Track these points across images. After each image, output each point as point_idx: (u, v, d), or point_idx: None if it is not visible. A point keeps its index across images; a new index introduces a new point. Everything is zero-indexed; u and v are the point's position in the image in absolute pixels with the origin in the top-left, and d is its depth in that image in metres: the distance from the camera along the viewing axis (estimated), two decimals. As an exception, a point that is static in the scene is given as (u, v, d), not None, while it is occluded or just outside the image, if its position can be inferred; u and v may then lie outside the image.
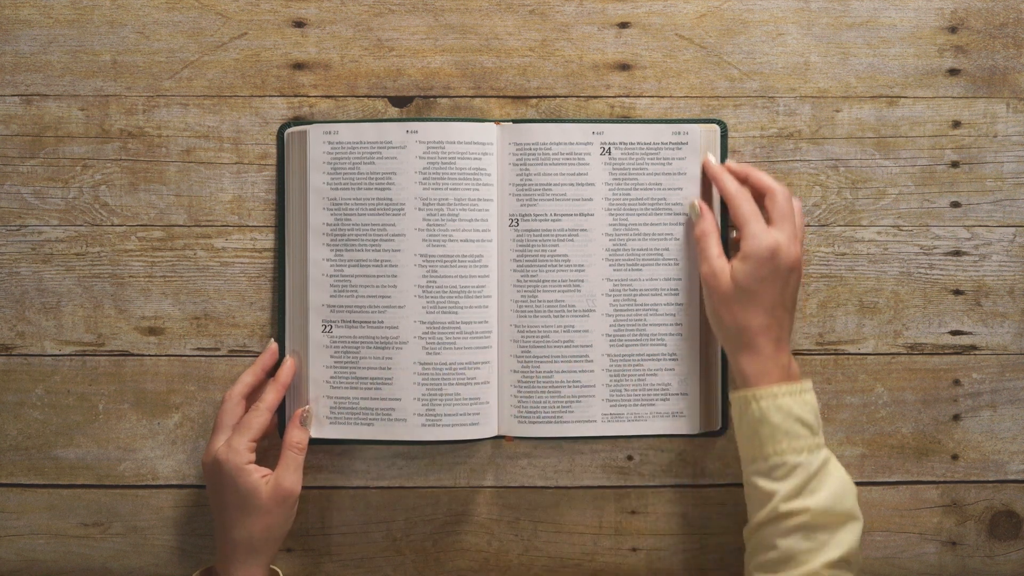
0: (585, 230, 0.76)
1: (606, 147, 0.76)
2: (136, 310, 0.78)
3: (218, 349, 0.78)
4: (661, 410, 0.77)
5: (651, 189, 0.76)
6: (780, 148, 0.79)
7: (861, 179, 0.79)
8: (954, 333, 0.80)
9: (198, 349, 0.79)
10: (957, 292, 0.80)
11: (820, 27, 0.78)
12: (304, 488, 0.79)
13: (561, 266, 0.76)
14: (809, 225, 0.79)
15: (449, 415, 0.75)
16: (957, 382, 0.80)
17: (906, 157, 0.79)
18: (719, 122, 0.77)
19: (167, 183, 0.78)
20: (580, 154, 0.76)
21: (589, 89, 0.78)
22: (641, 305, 0.76)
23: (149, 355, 0.78)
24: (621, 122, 0.76)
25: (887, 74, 0.78)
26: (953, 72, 0.79)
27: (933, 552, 0.81)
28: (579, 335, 0.76)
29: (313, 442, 0.75)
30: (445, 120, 0.75)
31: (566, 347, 0.76)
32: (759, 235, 0.70)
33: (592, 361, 0.76)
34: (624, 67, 0.78)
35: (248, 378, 0.75)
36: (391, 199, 0.75)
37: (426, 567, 0.80)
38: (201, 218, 0.78)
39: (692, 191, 0.76)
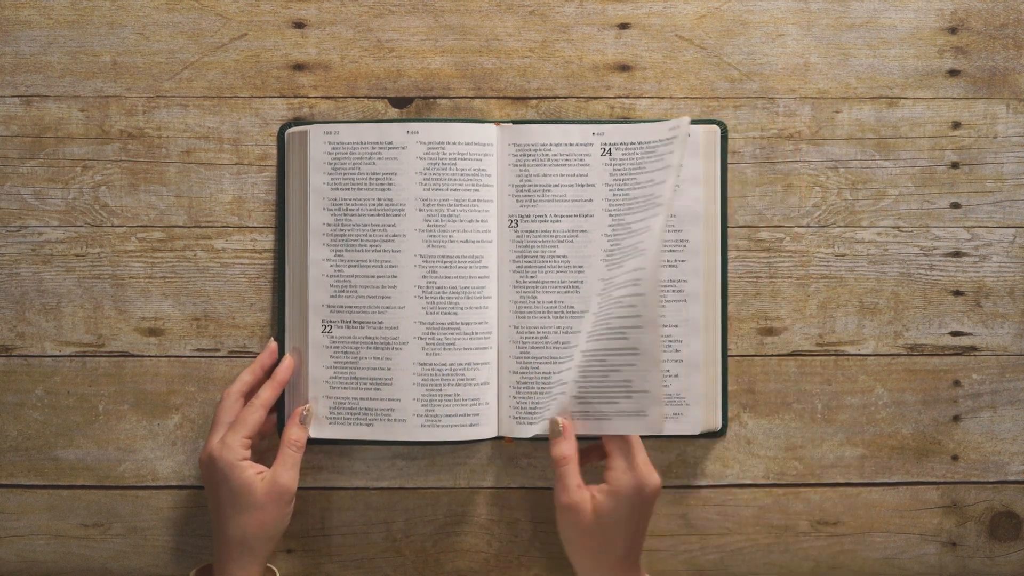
0: (585, 231, 0.76)
1: (606, 148, 0.76)
2: (136, 311, 0.78)
3: (218, 350, 0.78)
4: None
5: (650, 190, 0.76)
6: (780, 149, 0.79)
7: (861, 180, 0.79)
8: (954, 334, 0.80)
9: (198, 350, 0.79)
10: (957, 293, 0.80)
11: (820, 28, 0.78)
12: (304, 488, 0.79)
13: (560, 267, 0.76)
14: (809, 226, 0.79)
15: (449, 416, 0.75)
16: (957, 383, 0.80)
17: (906, 158, 0.79)
18: (719, 123, 0.77)
19: (167, 184, 0.78)
20: (580, 155, 0.76)
21: (589, 90, 0.78)
22: None
23: (149, 356, 0.78)
24: (621, 122, 0.76)
25: (887, 75, 0.78)
26: (953, 73, 0.79)
27: (933, 553, 0.81)
28: (578, 336, 0.76)
29: (313, 442, 0.75)
30: (445, 121, 0.75)
31: (565, 348, 0.76)
32: (630, 469, 0.69)
33: None
34: (624, 68, 0.78)
35: (247, 377, 0.75)
36: (391, 200, 0.75)
37: (426, 568, 0.80)
38: (201, 219, 0.78)
39: (693, 192, 0.76)
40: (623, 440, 0.71)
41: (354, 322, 0.75)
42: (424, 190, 0.74)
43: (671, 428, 0.77)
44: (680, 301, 0.76)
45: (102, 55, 0.77)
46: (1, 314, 0.78)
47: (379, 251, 0.75)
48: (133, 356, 0.78)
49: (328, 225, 0.75)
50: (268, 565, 0.74)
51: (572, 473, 0.70)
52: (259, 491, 0.70)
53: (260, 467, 0.72)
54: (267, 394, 0.74)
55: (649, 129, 0.76)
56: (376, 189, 0.75)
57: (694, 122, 0.77)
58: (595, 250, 0.76)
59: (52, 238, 0.78)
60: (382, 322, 0.75)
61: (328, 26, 0.77)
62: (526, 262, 0.76)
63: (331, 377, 0.75)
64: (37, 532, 0.79)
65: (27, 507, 0.79)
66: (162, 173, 0.78)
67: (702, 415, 0.77)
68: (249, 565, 0.70)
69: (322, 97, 0.78)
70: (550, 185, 0.76)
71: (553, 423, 0.72)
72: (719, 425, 0.78)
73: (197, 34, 0.77)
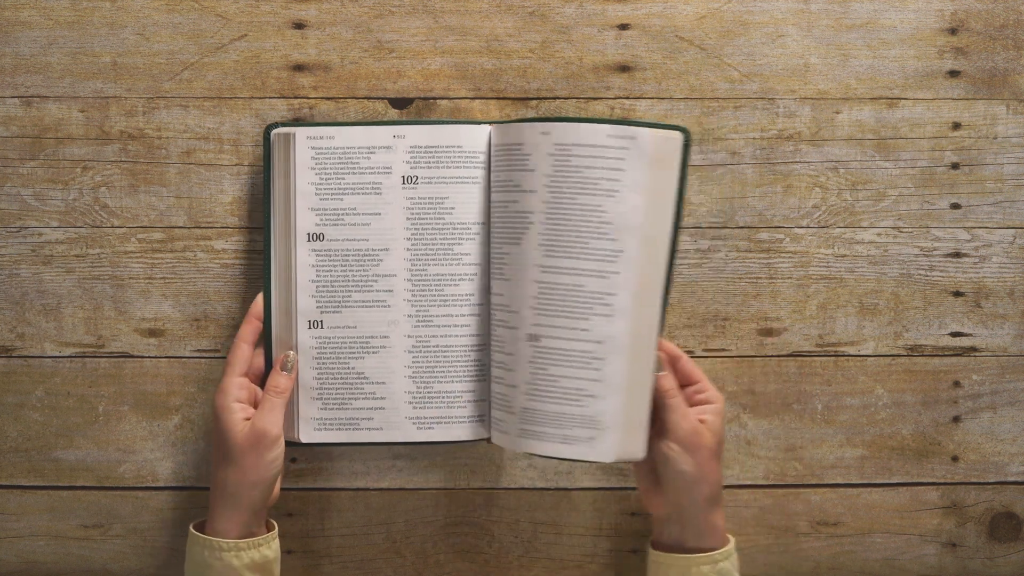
0: (524, 232, 0.71)
1: (554, 148, 0.71)
2: (136, 312, 0.78)
3: (218, 351, 0.78)
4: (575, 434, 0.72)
5: (592, 195, 0.70)
6: (780, 150, 0.79)
7: (861, 181, 0.79)
8: (954, 335, 0.80)
9: (198, 351, 0.79)
10: (957, 294, 0.80)
11: (820, 29, 0.78)
12: (304, 489, 0.79)
13: (497, 268, 0.74)
14: (809, 227, 0.79)
15: (439, 417, 0.75)
16: (957, 384, 0.80)
17: (906, 159, 0.79)
18: (682, 129, 0.71)
19: (167, 185, 0.78)
20: (527, 155, 0.72)
21: (589, 91, 0.78)
22: (570, 316, 0.71)
23: (149, 357, 0.78)
24: (573, 121, 0.71)
25: (887, 76, 0.78)
26: (953, 74, 0.79)
27: (933, 554, 0.81)
28: (518, 345, 0.73)
29: (305, 446, 0.75)
30: (432, 123, 0.75)
31: (506, 354, 0.74)
32: (715, 389, 0.73)
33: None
34: (624, 69, 0.78)
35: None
36: (378, 202, 0.74)
37: (426, 569, 0.80)
38: (201, 220, 0.78)
39: (632, 201, 0.69)
40: (694, 364, 0.74)
41: (342, 325, 0.75)
42: (412, 191, 0.74)
43: (579, 453, 0.70)
44: (606, 316, 0.70)
45: (102, 56, 0.77)
46: (1, 315, 0.78)
47: (366, 253, 0.75)
48: (133, 357, 0.78)
49: (314, 226, 0.74)
50: (271, 520, 0.74)
51: (683, 402, 0.72)
52: (238, 436, 0.69)
53: (251, 412, 0.71)
54: (244, 330, 0.73)
55: (594, 131, 0.70)
56: (362, 192, 0.74)
57: (655, 126, 0.71)
58: (531, 251, 0.71)
59: (52, 239, 0.78)
60: (370, 324, 0.75)
61: (328, 27, 0.77)
62: (502, 260, 0.74)
63: (319, 381, 0.75)
64: (37, 533, 0.79)
65: (27, 508, 0.79)
66: (162, 174, 0.78)
67: (618, 441, 0.70)
68: (231, 515, 0.70)
69: (322, 98, 0.78)
70: (510, 185, 0.73)
71: (656, 359, 0.72)
72: (640, 454, 0.71)
73: (197, 35, 0.77)
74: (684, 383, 0.74)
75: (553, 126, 0.70)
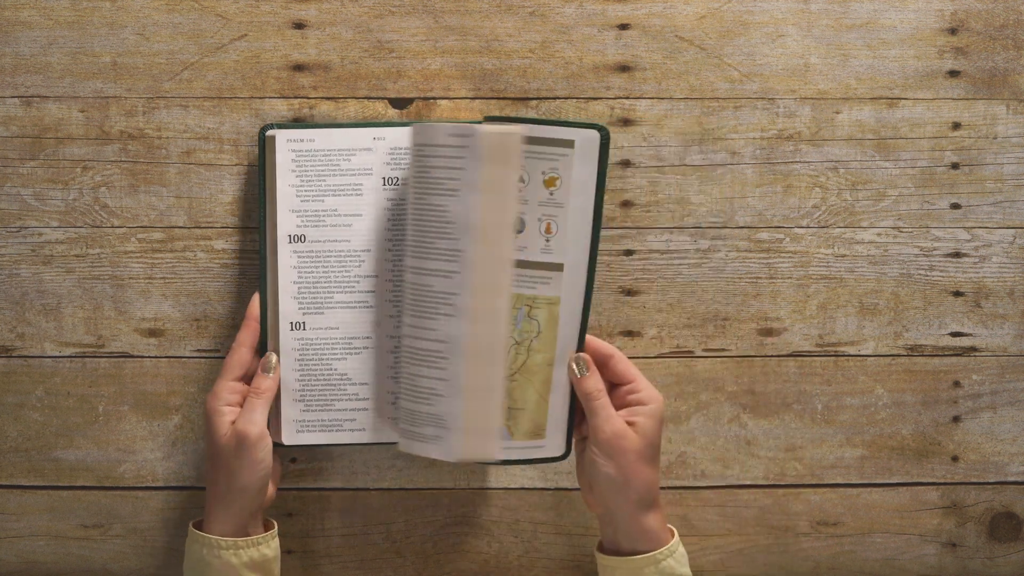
0: (404, 234, 0.73)
1: (415, 148, 0.71)
2: (136, 312, 0.78)
3: (218, 351, 0.78)
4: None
5: (439, 194, 0.70)
6: (780, 150, 0.79)
7: (861, 181, 0.79)
8: (954, 335, 0.80)
9: (198, 351, 0.79)
10: (957, 294, 0.80)
11: (820, 29, 0.78)
12: (304, 489, 0.79)
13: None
14: (809, 227, 0.79)
15: None
16: (957, 384, 0.80)
17: (906, 159, 0.79)
18: (600, 128, 0.71)
19: (167, 185, 0.78)
20: (405, 156, 0.74)
21: (589, 91, 0.78)
22: (422, 315, 0.72)
23: (149, 357, 0.78)
24: (435, 122, 0.71)
25: (887, 76, 0.78)
26: (953, 74, 0.79)
27: (933, 554, 0.81)
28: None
29: (289, 448, 0.75)
30: (411, 124, 0.75)
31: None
32: (652, 388, 0.71)
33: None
34: (624, 69, 0.78)
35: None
36: (359, 203, 0.74)
37: (426, 569, 0.80)
38: (201, 220, 0.78)
39: (471, 200, 0.69)
40: (629, 363, 0.72)
41: (325, 327, 0.74)
42: (393, 193, 0.74)
43: (427, 450, 0.71)
44: (449, 316, 0.70)
45: (102, 56, 0.77)
46: (1, 315, 0.78)
47: (347, 255, 0.74)
48: (133, 357, 0.78)
49: (295, 229, 0.74)
50: (270, 520, 0.74)
51: (607, 404, 0.70)
52: (223, 438, 0.70)
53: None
54: (242, 334, 0.73)
55: (439, 130, 0.69)
56: (343, 194, 0.74)
57: (574, 124, 0.72)
58: (405, 252, 0.73)
59: (52, 239, 0.78)
60: (353, 325, 0.74)
61: (328, 27, 0.77)
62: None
63: (302, 382, 0.74)
64: (37, 533, 0.79)
65: (27, 508, 0.79)
66: (162, 174, 0.78)
67: (463, 441, 0.70)
68: (225, 517, 0.70)
69: (322, 98, 0.78)
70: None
71: (579, 360, 0.72)
72: (493, 456, 0.72)
73: (197, 35, 0.77)
74: (618, 383, 0.72)
75: (416, 127, 0.71)
